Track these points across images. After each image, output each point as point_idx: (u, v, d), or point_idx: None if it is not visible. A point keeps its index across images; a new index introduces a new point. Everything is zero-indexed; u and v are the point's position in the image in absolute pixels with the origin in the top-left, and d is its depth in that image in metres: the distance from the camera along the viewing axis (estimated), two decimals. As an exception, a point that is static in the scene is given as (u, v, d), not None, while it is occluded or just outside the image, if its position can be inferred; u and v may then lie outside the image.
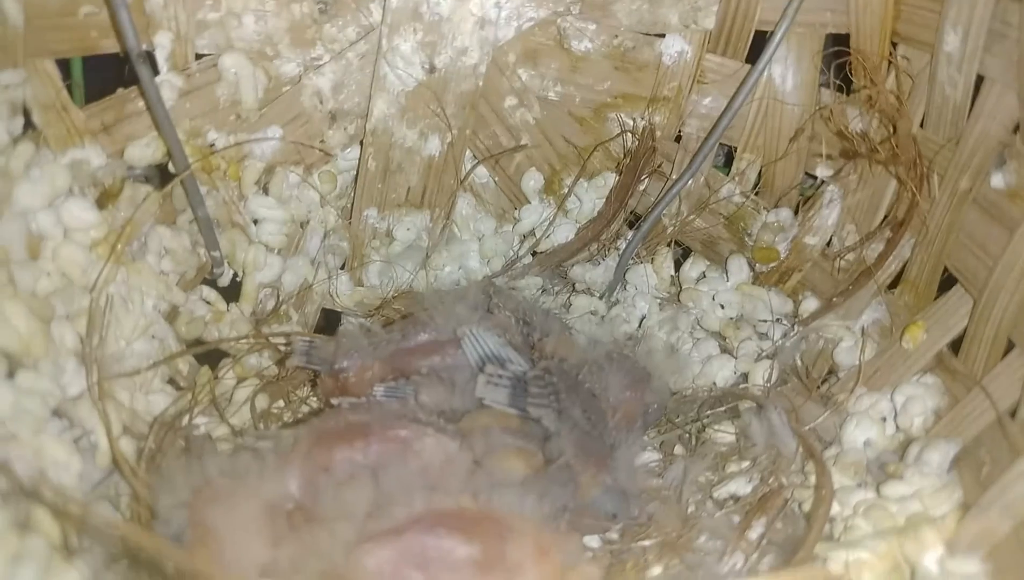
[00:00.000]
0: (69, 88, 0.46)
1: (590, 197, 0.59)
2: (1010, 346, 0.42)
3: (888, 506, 0.40)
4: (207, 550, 0.33)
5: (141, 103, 0.47)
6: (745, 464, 0.46)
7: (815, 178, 0.57)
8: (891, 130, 0.49)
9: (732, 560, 0.41)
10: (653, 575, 0.42)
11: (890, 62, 0.51)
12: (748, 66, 0.55)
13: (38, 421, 0.37)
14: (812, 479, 0.44)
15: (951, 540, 0.37)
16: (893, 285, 0.52)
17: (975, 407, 0.42)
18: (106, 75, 0.48)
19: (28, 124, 0.44)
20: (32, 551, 0.27)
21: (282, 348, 0.53)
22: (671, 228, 0.59)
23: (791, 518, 0.43)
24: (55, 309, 0.42)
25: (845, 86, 0.53)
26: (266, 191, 0.54)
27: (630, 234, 0.60)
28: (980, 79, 0.45)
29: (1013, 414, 0.40)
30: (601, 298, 0.60)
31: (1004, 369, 0.42)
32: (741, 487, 0.45)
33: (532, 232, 0.60)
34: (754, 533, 0.42)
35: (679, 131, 0.58)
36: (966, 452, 0.42)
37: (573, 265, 0.60)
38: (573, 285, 0.61)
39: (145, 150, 0.48)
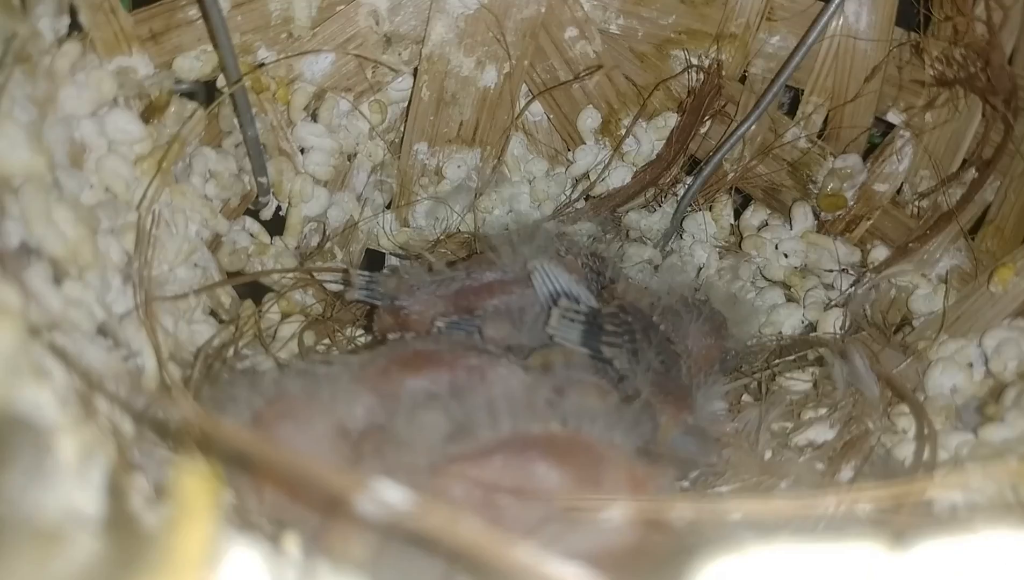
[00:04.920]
0: (117, -9, 0.43)
1: (649, 138, 0.56)
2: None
3: (994, 447, 0.37)
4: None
5: (191, 11, 0.44)
6: (822, 411, 0.44)
7: (884, 123, 0.55)
8: (980, 65, 0.47)
9: (824, 504, 0.38)
10: (734, 519, 0.40)
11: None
12: (821, 3, 0.52)
13: (85, 335, 0.34)
14: (899, 423, 0.42)
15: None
16: (972, 231, 0.49)
17: (1079, 348, 0.40)
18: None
19: (74, 25, 0.41)
20: (100, 451, 0.24)
21: (328, 285, 0.50)
22: (732, 174, 0.57)
23: (879, 463, 0.41)
24: (100, 221, 0.39)
25: (925, 20, 0.51)
26: (315, 118, 0.51)
27: (688, 180, 0.57)
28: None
29: None
30: (656, 246, 0.58)
31: (1111, 308, 0.39)
32: (820, 434, 0.43)
33: (586, 175, 0.57)
34: (843, 477, 0.40)
35: (744, 71, 0.56)
36: (1071, 395, 0.39)
37: (628, 211, 0.57)
38: (627, 232, 0.58)
39: (194, 63, 0.45)
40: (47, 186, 0.35)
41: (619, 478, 0.32)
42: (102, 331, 0.37)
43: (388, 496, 0.21)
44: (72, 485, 0.21)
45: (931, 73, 0.49)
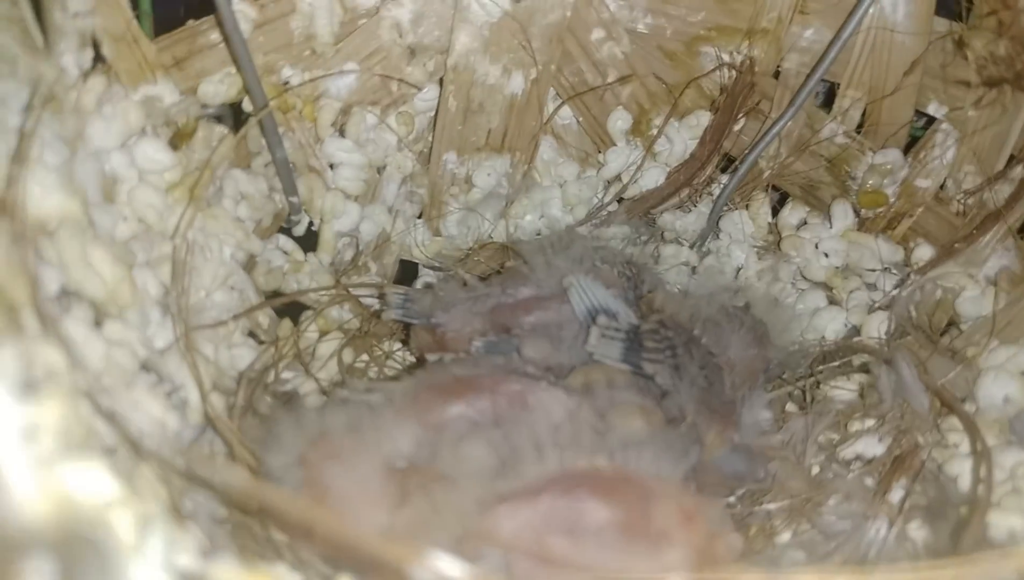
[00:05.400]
0: (138, 18, 0.42)
1: (681, 138, 0.55)
2: None
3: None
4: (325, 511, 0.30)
5: (214, 36, 0.44)
6: (869, 422, 0.43)
7: (925, 117, 0.53)
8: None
9: (876, 525, 0.38)
10: (783, 541, 0.39)
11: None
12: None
13: (129, 375, 0.34)
14: (950, 437, 0.41)
15: None
16: (1020, 231, 0.48)
17: None
18: (172, 6, 0.45)
19: (98, 57, 0.40)
20: (156, 514, 0.24)
21: (365, 300, 0.50)
22: (768, 172, 0.55)
23: (930, 479, 0.40)
24: (136, 255, 0.38)
25: (967, 9, 0.49)
26: (342, 133, 0.50)
27: (724, 178, 0.56)
28: None
29: None
30: (692, 248, 0.57)
31: None
32: (869, 447, 0.42)
33: (618, 177, 0.56)
34: (894, 495, 0.39)
35: (778, 67, 0.54)
36: None
37: (662, 212, 0.56)
38: (662, 234, 0.57)
39: (219, 87, 0.44)
40: (83, 227, 0.35)
41: (669, 512, 0.32)
42: (146, 367, 0.37)
43: (444, 569, 0.21)
44: (136, 567, 0.21)
45: (975, 69, 0.47)
